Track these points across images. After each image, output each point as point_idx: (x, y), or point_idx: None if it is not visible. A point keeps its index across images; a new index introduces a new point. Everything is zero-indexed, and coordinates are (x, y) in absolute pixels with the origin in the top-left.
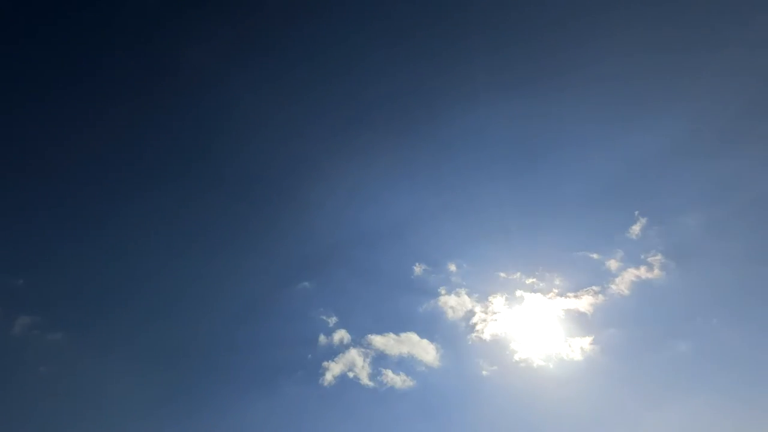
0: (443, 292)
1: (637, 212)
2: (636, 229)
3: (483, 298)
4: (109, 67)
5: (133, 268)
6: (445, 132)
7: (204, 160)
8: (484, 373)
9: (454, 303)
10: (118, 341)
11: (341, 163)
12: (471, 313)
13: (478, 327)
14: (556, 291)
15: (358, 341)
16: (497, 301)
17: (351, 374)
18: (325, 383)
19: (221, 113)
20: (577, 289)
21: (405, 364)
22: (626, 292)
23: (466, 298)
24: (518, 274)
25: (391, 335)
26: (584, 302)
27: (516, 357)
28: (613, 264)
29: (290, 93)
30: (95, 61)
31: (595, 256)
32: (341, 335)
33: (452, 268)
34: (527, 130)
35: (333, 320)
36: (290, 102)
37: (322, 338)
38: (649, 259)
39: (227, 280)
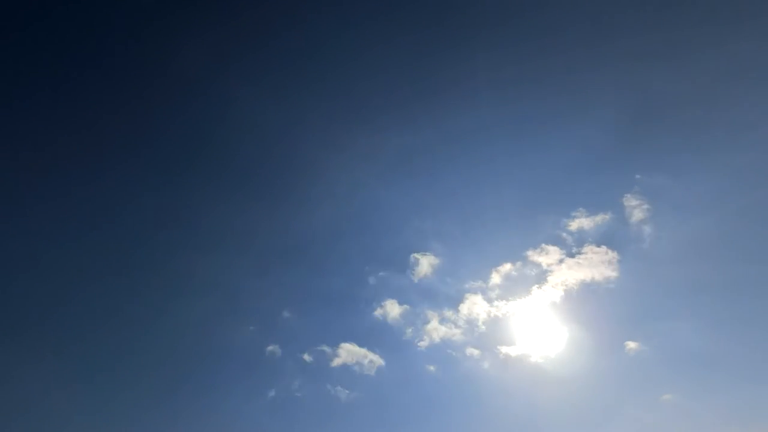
0: (388, 300)
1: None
2: (574, 225)
3: (433, 304)
4: (104, 65)
5: (132, 267)
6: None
7: (201, 159)
8: (430, 377)
9: (396, 312)
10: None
11: (339, 161)
12: (416, 320)
13: (424, 335)
14: (501, 292)
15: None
16: (445, 307)
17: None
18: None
19: (218, 111)
20: (523, 289)
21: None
22: (575, 291)
23: (408, 307)
24: (469, 281)
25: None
26: (531, 301)
27: (467, 362)
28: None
29: (289, 92)
30: (90, 58)
31: (538, 258)
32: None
33: (399, 276)
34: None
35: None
36: (289, 101)
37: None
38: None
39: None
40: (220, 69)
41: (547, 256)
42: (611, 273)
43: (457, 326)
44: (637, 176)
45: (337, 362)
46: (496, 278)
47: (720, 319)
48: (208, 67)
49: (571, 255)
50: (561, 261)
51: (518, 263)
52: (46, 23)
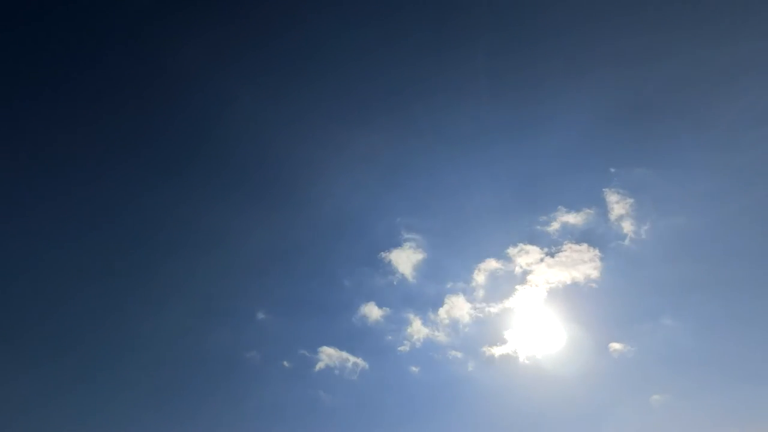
0: (369, 303)
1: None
2: (555, 224)
3: (415, 306)
4: (102, 65)
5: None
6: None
7: (199, 159)
8: (414, 380)
9: (378, 314)
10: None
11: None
12: (398, 323)
13: (407, 337)
14: (483, 293)
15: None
16: (427, 309)
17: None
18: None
19: (216, 112)
20: (505, 290)
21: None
22: (557, 290)
23: (389, 309)
24: (450, 282)
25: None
26: (513, 301)
27: (451, 364)
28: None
29: (289, 91)
30: (87, 58)
31: (519, 258)
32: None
33: (380, 278)
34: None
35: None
36: (288, 100)
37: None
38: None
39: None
40: (218, 69)
41: (528, 256)
42: (593, 271)
43: (439, 328)
44: (612, 170)
45: (319, 366)
46: (477, 279)
47: (708, 318)
48: (206, 67)
49: (552, 254)
50: (542, 260)
51: (499, 263)
52: (45, 23)
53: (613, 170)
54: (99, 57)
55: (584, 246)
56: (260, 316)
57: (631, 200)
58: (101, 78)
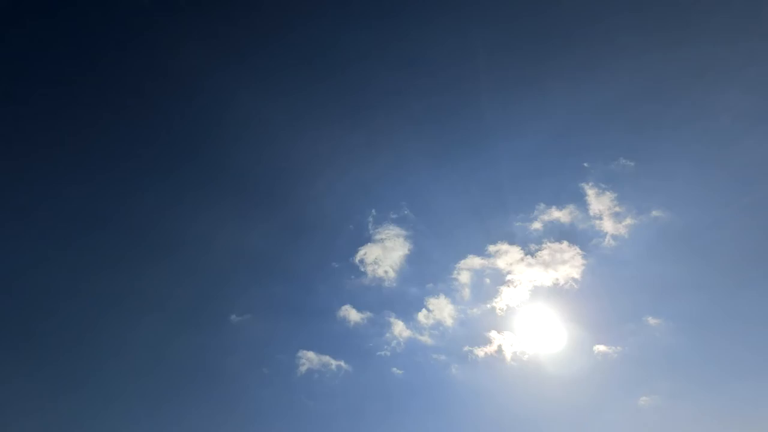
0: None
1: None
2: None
3: (395, 308)
4: (101, 66)
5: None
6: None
7: (197, 159)
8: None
9: (356, 317)
10: None
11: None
12: (380, 325)
13: (389, 340)
14: (465, 295)
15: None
16: (408, 310)
17: None
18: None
19: (215, 112)
20: (486, 291)
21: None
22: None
23: (369, 312)
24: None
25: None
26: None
27: (434, 366)
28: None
29: (288, 92)
30: (87, 59)
31: (500, 258)
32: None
33: (359, 280)
34: None
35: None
36: (288, 101)
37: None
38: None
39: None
40: (217, 69)
41: (508, 256)
42: (575, 269)
43: (421, 331)
44: (588, 165)
45: (300, 371)
46: (458, 279)
47: (695, 317)
48: (205, 67)
49: (532, 253)
50: (522, 259)
51: (480, 263)
52: (44, 23)
53: (589, 165)
54: (99, 57)
55: (565, 244)
56: (235, 320)
57: (613, 195)
58: (100, 78)
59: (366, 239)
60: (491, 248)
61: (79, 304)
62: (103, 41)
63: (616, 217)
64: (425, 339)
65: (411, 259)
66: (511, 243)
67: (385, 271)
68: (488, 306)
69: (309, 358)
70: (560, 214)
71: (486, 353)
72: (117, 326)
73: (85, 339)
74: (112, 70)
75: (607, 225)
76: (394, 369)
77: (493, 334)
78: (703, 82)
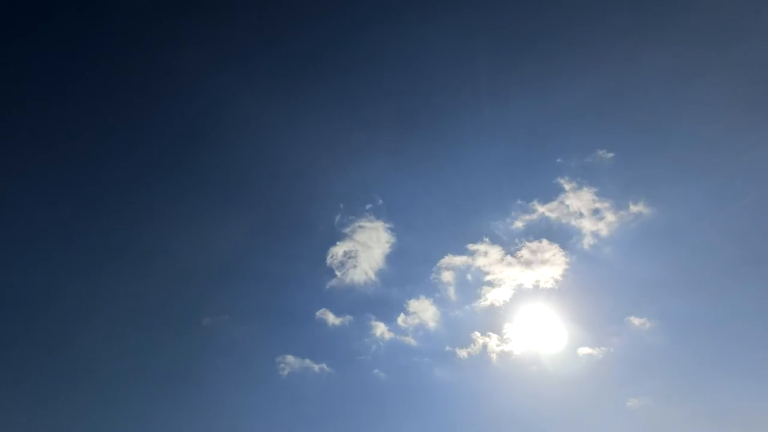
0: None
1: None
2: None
3: (376, 310)
4: (101, 66)
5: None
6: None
7: (197, 160)
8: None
9: (335, 320)
10: None
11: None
12: (362, 327)
13: (369, 343)
14: (446, 296)
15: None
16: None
17: None
18: None
19: (215, 113)
20: (467, 291)
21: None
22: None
23: (349, 315)
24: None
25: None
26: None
27: (417, 368)
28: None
29: (288, 92)
30: (87, 59)
31: (481, 258)
32: None
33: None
34: None
35: None
36: (287, 101)
37: None
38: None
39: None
40: (216, 69)
41: (488, 256)
42: (556, 270)
43: (403, 332)
44: (562, 160)
45: (282, 375)
46: (440, 279)
47: (682, 317)
48: (204, 67)
49: (512, 253)
50: (502, 259)
51: (461, 263)
52: (44, 23)
53: (563, 160)
54: (99, 57)
55: (545, 243)
56: (211, 324)
57: (594, 189)
58: (100, 78)
59: (343, 237)
60: (471, 247)
61: (57, 309)
62: (103, 42)
63: (597, 213)
64: (408, 340)
65: (390, 259)
66: (492, 242)
67: (367, 273)
68: (470, 307)
69: (289, 362)
70: (543, 210)
71: (469, 354)
72: (94, 332)
73: (63, 344)
74: (112, 71)
75: (588, 222)
76: (377, 371)
77: (476, 335)
78: (684, 76)
